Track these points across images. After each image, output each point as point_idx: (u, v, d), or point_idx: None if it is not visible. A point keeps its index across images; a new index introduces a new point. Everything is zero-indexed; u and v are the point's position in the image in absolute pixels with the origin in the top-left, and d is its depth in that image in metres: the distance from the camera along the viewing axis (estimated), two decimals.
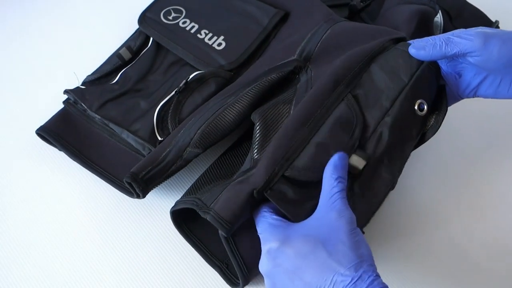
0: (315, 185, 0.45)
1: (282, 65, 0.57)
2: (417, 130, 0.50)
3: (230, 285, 0.51)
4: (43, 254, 0.54)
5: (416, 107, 0.49)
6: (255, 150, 0.49)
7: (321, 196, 0.42)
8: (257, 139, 0.50)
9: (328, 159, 0.45)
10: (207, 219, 0.44)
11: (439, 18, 0.68)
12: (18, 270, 0.53)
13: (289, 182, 0.45)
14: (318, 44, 0.58)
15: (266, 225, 0.42)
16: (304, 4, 0.66)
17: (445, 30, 0.69)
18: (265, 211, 0.43)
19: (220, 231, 0.44)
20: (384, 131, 0.48)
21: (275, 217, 0.42)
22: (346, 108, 0.49)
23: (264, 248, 0.41)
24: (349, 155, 0.46)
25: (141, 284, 0.52)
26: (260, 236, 0.42)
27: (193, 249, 0.52)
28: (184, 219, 0.52)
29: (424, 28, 0.62)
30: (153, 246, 0.54)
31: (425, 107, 0.49)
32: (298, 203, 0.44)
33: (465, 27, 0.68)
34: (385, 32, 0.56)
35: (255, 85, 0.55)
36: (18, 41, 0.73)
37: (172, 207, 0.50)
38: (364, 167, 0.46)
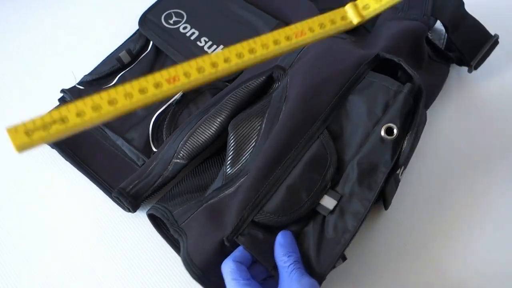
0: (285, 227, 0.46)
1: (262, 72, 0.57)
2: (390, 154, 0.47)
3: None
4: (40, 254, 0.54)
5: (383, 133, 0.47)
6: (228, 166, 0.50)
7: (279, 270, 0.43)
8: (230, 154, 0.50)
9: (298, 202, 0.45)
10: (182, 261, 0.45)
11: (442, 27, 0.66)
12: (15, 272, 0.53)
13: (258, 226, 0.45)
14: (300, 53, 0.57)
15: None
16: (300, 13, 0.64)
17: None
18: (235, 272, 0.43)
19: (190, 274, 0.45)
20: (354, 167, 0.47)
21: (246, 282, 0.42)
22: (320, 147, 0.47)
23: None
24: (321, 196, 0.46)
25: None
26: None
27: None
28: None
29: (415, 48, 0.59)
30: (153, 248, 0.54)
31: (395, 130, 0.47)
32: (268, 245, 0.45)
33: (462, 40, 0.68)
34: (357, 53, 0.53)
35: (234, 93, 0.55)
36: (17, 40, 0.72)
37: (147, 210, 0.51)
38: (335, 206, 0.46)
